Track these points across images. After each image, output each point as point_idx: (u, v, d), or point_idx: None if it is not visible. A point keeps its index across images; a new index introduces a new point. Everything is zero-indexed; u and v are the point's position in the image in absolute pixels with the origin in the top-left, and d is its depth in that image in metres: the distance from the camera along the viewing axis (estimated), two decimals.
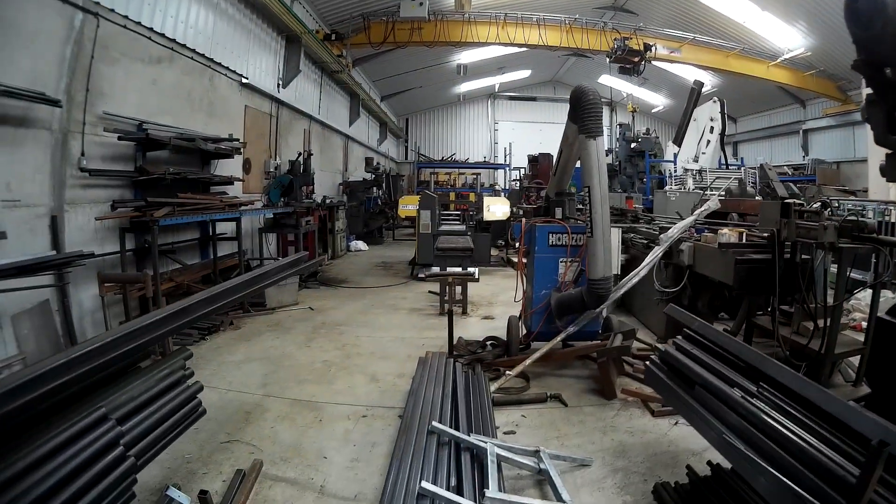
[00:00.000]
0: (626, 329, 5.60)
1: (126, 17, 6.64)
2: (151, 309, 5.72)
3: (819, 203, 4.79)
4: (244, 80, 10.14)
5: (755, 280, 4.89)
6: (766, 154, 23.31)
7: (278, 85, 11.74)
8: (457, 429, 3.47)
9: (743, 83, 20.49)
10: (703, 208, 6.66)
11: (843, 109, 19.53)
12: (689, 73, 22.30)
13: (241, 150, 9.28)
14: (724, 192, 9.30)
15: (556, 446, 3.89)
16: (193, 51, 8.39)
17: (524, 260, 5.97)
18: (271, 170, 11.16)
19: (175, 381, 2.21)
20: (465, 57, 20.11)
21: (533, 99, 31.08)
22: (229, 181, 8.77)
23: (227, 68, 9.58)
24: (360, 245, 14.51)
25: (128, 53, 6.78)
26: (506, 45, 14.97)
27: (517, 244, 7.64)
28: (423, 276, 9.67)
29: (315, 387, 4.87)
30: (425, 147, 30.03)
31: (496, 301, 8.47)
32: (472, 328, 6.95)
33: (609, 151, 20.00)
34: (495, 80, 26.10)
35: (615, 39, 15.43)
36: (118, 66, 6.56)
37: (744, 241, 5.48)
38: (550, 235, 5.32)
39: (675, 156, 15.65)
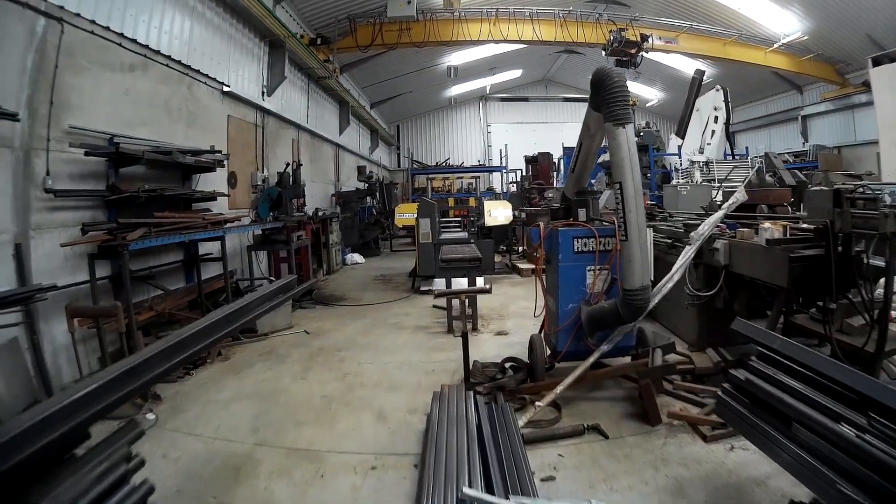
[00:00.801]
0: (663, 342, 4.99)
1: (93, 22, 6.04)
2: (126, 346, 5.07)
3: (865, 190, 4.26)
4: (226, 89, 9.52)
5: (809, 278, 4.31)
6: (765, 142, 22.92)
7: (263, 93, 11.12)
8: (488, 485, 2.83)
9: (738, 72, 20.06)
10: (730, 201, 6.05)
11: (843, 93, 19.14)
12: (684, 65, 21.92)
13: (225, 162, 8.65)
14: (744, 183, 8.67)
15: (605, 492, 3.27)
16: (169, 57, 7.78)
17: (543, 268, 5.32)
18: (258, 183, 10.55)
19: (113, 482, 1.56)
20: (456, 58, 19.60)
21: (525, 99, 30.59)
22: (212, 197, 8.12)
23: (207, 76, 8.96)
24: (357, 258, 13.87)
25: (97, 61, 6.15)
26: (499, 41, 14.45)
27: (531, 249, 7.04)
28: (426, 290, 9.07)
29: (314, 430, 4.21)
30: (418, 153, 29.47)
31: (507, 313, 7.84)
32: (485, 346, 6.32)
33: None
34: (487, 82, 25.61)
35: (611, 31, 14.92)
36: (86, 76, 5.94)
37: (788, 235, 4.89)
38: (575, 241, 4.69)
39: (680, 148, 15.08)
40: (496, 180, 26.68)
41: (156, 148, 6.85)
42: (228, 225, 8.03)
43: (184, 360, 2.17)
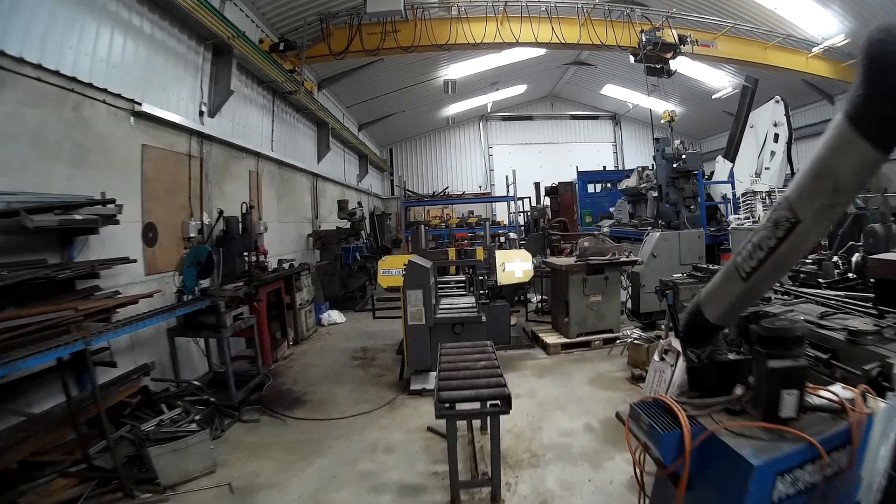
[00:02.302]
0: None
1: None
2: None
3: None
4: (138, 108, 6.81)
5: None
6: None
7: (202, 113, 8.41)
8: None
9: (764, 80, 17.65)
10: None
11: None
12: (704, 75, 19.46)
13: (139, 212, 5.87)
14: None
15: None
16: (41, 67, 5.12)
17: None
18: (193, 234, 7.78)
19: None
20: (454, 71, 17.02)
21: (529, 118, 28.10)
22: (98, 267, 5.36)
23: (107, 91, 6.26)
24: (335, 316, 11.01)
25: None
26: (509, 45, 11.75)
27: (662, 471, 4.22)
28: (419, 389, 6.24)
29: None
30: (414, 181, 26.81)
31: (543, 445, 4.96)
32: None
33: (641, 171, 16.76)
34: (488, 99, 23.08)
35: (642, 32, 12.30)
36: None
37: None
38: (781, 480, 1.87)
39: (732, 174, 12.35)
40: (500, 210, 23.98)
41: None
42: (120, 312, 5.28)
43: None
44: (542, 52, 18.79)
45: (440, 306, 6.49)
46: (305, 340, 9.66)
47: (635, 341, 7.32)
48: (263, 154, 10.36)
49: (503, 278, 7.54)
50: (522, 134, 28.08)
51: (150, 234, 7.04)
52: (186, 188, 7.93)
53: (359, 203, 19.52)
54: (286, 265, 9.64)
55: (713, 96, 21.09)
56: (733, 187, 12.16)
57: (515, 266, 7.63)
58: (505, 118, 27.81)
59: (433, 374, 5.85)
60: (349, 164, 18.93)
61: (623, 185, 17.52)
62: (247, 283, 6.92)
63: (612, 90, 24.79)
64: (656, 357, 5.55)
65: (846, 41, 13.68)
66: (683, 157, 12.57)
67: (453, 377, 3.70)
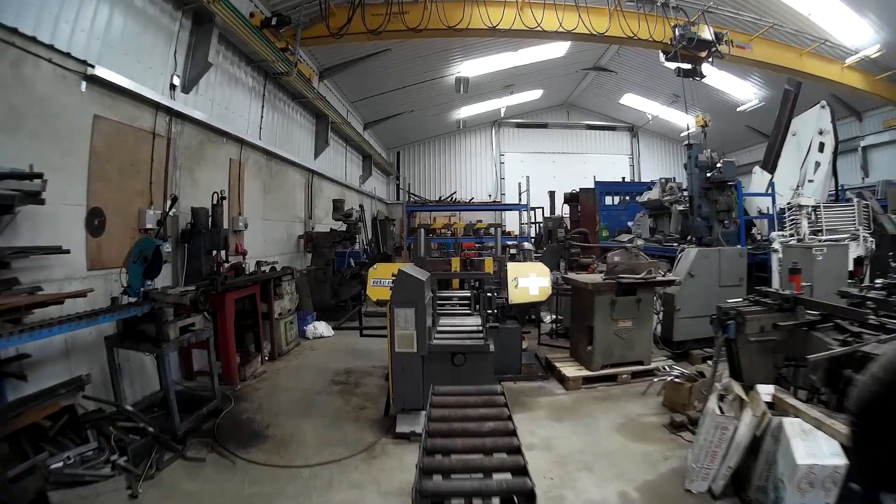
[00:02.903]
0: None
1: None
2: None
3: None
4: (91, 72, 5.65)
5: None
6: None
7: (173, 87, 7.24)
8: None
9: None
10: None
11: None
12: (727, 84, 18.28)
13: (84, 193, 4.69)
14: None
15: None
16: None
17: None
18: (151, 226, 6.58)
19: None
20: (467, 69, 15.86)
21: (544, 126, 26.87)
22: (11, 255, 4.19)
23: (54, 49, 5.15)
24: (322, 329, 9.73)
25: None
26: (531, 34, 10.52)
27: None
28: (406, 432, 4.95)
29: None
30: (421, 185, 25.62)
31: None
32: None
33: (665, 183, 15.48)
34: (502, 103, 21.87)
35: (676, 26, 11.09)
36: None
37: None
38: None
39: (772, 186, 11.03)
40: (510, 220, 22.71)
41: None
42: (34, 313, 4.09)
43: None
44: (561, 53, 17.71)
45: (438, 328, 5.22)
46: (284, 356, 8.39)
47: (676, 380, 6.04)
48: (248, 141, 9.17)
49: (516, 296, 6.27)
50: (536, 142, 26.88)
51: (95, 222, 5.85)
52: (147, 171, 6.74)
53: (360, 206, 18.34)
54: (266, 268, 8.42)
55: (738, 109, 19.85)
56: (773, 201, 10.85)
57: (530, 282, 6.36)
58: (518, 125, 26.62)
59: (424, 413, 4.62)
60: (352, 164, 17.75)
61: (645, 197, 16.22)
62: (202, 286, 5.66)
63: (631, 100, 23.63)
64: (715, 408, 4.28)
65: (881, 52, 12.63)
66: (718, 165, 11.30)
67: (447, 445, 2.45)
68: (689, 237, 10.76)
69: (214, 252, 7.27)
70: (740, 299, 5.54)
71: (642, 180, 25.62)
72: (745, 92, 18.73)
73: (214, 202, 7.37)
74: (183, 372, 7.20)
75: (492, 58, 16.01)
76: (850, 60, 13.35)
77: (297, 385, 6.93)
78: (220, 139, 8.37)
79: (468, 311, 5.99)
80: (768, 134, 22.81)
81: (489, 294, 5.76)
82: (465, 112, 21.94)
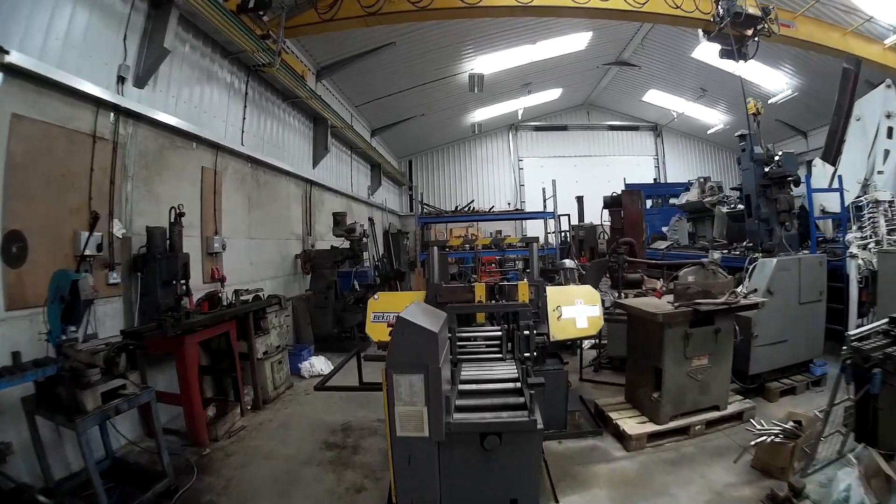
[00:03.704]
0: None
1: None
2: None
3: None
4: (7, 59, 4.33)
5: None
6: None
7: (121, 79, 5.87)
8: None
9: (822, 85, 14.79)
10: None
11: None
12: (760, 76, 16.61)
13: None
14: None
15: None
16: None
17: None
18: (88, 252, 5.18)
19: None
20: (481, 65, 14.43)
21: (564, 128, 25.31)
22: None
23: None
24: (319, 365, 8.19)
25: None
26: (555, 10, 9.03)
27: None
28: None
29: None
30: (435, 196, 24.21)
31: None
32: None
33: (704, 183, 13.83)
34: (519, 104, 20.38)
35: (718, 1, 9.62)
36: None
37: None
38: None
39: (840, 180, 9.32)
40: (531, 230, 21.11)
41: None
42: None
43: None
44: (582, 45, 16.25)
45: (460, 383, 3.69)
46: (271, 403, 6.89)
47: (776, 439, 4.43)
48: (227, 147, 7.77)
49: (559, 330, 4.72)
50: (555, 146, 25.32)
51: (13, 249, 4.48)
52: (86, 183, 5.34)
53: (370, 219, 16.94)
54: (249, 297, 6.97)
55: (769, 101, 18.10)
56: (842, 197, 9.15)
57: (577, 311, 4.81)
58: (536, 128, 25.10)
59: None
60: (359, 174, 16.34)
61: (682, 199, 14.60)
62: (132, 333, 4.22)
63: (655, 96, 22.05)
64: (859, 489, 2.76)
65: None
66: (776, 158, 9.65)
67: None
68: (751, 244, 9.12)
69: (175, 284, 5.85)
70: (864, 328, 3.97)
71: (668, 181, 23.96)
72: (776, 82, 17.04)
73: (172, 220, 5.95)
74: (143, 428, 5.78)
75: (507, 52, 14.57)
76: (889, 42, 11.88)
77: (281, 450, 5.41)
78: (187, 144, 6.97)
79: (498, 354, 4.45)
80: (800, 128, 21.22)
81: (527, 332, 4.22)
82: (480, 115, 20.50)
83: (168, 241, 5.81)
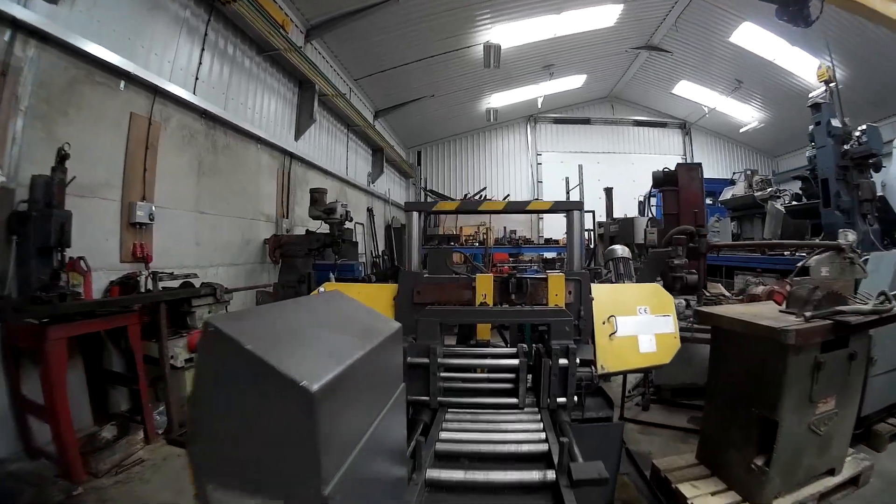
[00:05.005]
0: None
1: None
2: None
3: None
4: None
5: None
6: None
7: None
8: None
9: (869, 73, 13.29)
10: None
11: None
12: (797, 66, 14.99)
13: None
14: None
15: None
16: None
17: None
18: None
19: None
20: (497, 35, 12.73)
21: (586, 121, 23.44)
22: None
23: None
24: None
25: None
26: None
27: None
28: None
29: None
30: (446, 189, 22.49)
31: None
32: None
33: (751, 176, 11.96)
34: (539, 91, 18.58)
35: None
36: None
37: None
38: None
39: None
40: (548, 228, 19.32)
41: None
42: None
43: None
44: (611, 22, 14.51)
45: (437, 452, 1.96)
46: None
47: None
48: (170, 93, 6.10)
49: (613, 356, 2.96)
50: (577, 140, 23.47)
51: None
52: None
53: (369, 209, 15.30)
54: (177, 283, 5.31)
55: (810, 95, 16.10)
56: None
57: (641, 324, 3.06)
58: (556, 120, 23.26)
59: None
60: (356, 156, 14.64)
61: (727, 194, 12.71)
62: None
63: (686, 89, 20.20)
64: None
65: None
66: (857, 134, 7.81)
67: None
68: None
69: (58, 252, 4.20)
70: None
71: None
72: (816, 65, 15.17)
73: (55, 163, 4.28)
74: (21, 444, 4.15)
75: (528, 22, 12.84)
76: None
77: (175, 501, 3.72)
78: (112, 80, 5.33)
79: (513, 400, 2.68)
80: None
81: (564, 361, 2.49)
82: (497, 101, 18.73)
83: (45, 191, 4.15)
